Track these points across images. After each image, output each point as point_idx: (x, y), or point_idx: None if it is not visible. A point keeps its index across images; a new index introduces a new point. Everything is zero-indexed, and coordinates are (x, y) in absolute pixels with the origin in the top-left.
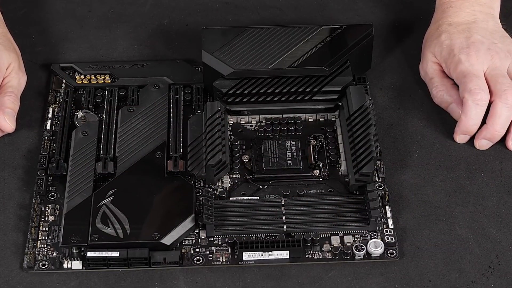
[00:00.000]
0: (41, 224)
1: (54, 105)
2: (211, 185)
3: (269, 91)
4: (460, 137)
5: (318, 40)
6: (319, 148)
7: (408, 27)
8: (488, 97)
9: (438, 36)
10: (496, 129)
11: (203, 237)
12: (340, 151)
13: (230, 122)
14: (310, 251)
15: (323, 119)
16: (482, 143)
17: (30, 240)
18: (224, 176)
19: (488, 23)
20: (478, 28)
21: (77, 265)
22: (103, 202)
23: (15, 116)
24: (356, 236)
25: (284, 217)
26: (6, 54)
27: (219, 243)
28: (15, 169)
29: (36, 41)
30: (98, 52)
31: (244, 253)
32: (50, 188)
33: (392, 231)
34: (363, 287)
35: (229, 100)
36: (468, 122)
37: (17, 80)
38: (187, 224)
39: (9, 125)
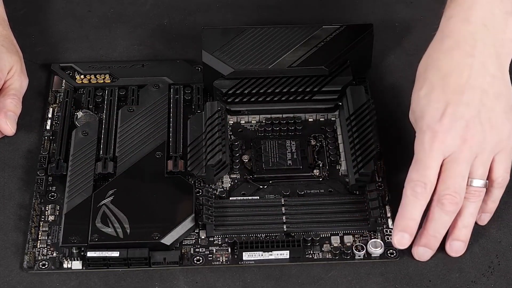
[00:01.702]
0: (41, 224)
1: (54, 105)
2: (211, 185)
3: (269, 91)
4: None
5: (318, 40)
6: (319, 148)
7: (408, 27)
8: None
9: (423, 80)
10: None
11: (203, 237)
12: (340, 151)
13: (230, 122)
14: (310, 251)
15: (323, 119)
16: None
17: (30, 240)
18: (224, 176)
19: (487, 62)
20: (473, 82)
21: (77, 265)
22: (103, 202)
23: (16, 120)
24: (356, 236)
25: (284, 217)
26: (9, 56)
27: (219, 243)
28: (15, 169)
29: (36, 41)
30: (98, 52)
31: (244, 253)
32: (50, 188)
33: (392, 231)
34: (363, 287)
35: (229, 100)
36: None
37: (19, 82)
38: (187, 224)
39: (10, 129)
